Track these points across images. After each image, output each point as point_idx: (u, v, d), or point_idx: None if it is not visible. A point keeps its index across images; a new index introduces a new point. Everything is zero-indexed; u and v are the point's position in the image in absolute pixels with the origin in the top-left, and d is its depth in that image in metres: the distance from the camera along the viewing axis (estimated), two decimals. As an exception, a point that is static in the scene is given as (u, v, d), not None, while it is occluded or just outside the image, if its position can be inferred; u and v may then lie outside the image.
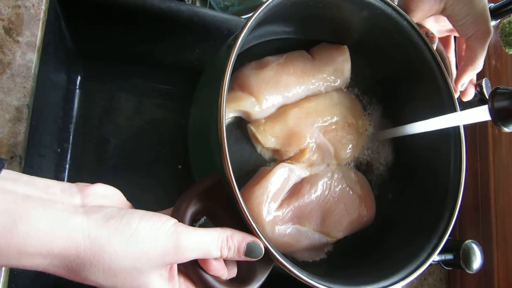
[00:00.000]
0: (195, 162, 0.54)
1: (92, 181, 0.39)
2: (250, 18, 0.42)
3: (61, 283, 0.59)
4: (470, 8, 0.51)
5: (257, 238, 0.38)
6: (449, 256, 0.64)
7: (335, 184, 0.56)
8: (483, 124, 0.74)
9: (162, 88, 0.70)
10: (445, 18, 0.56)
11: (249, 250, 0.38)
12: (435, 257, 0.62)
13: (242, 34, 0.41)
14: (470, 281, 0.75)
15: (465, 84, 0.57)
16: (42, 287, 0.57)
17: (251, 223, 0.38)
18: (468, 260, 0.63)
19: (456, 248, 0.64)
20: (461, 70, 0.56)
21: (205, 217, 0.41)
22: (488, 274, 0.71)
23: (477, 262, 0.63)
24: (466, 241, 0.64)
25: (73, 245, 0.31)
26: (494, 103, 0.44)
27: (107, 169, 0.64)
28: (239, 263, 0.42)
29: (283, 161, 0.55)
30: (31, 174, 0.34)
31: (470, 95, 0.59)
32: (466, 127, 0.54)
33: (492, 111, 0.45)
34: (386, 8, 0.52)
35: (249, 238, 0.38)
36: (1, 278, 0.46)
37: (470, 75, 0.55)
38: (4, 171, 0.32)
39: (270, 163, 0.56)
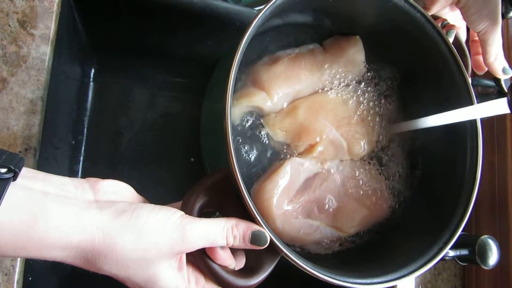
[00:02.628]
0: (207, 156, 0.54)
1: (106, 173, 0.40)
2: (255, 17, 0.42)
3: (77, 274, 0.60)
4: (484, 3, 0.50)
5: (262, 228, 0.39)
6: (464, 252, 0.63)
7: (348, 179, 0.56)
8: (501, 117, 0.73)
9: (175, 81, 0.70)
10: None
11: (254, 238, 0.38)
12: (450, 252, 0.61)
13: (247, 35, 0.41)
14: (486, 277, 0.74)
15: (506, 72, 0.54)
16: (58, 277, 0.59)
17: (255, 215, 0.38)
18: (484, 256, 0.61)
19: (471, 243, 0.63)
20: (489, 66, 0.54)
21: (218, 213, 0.41)
22: (505, 270, 0.70)
23: (493, 257, 0.62)
24: (482, 236, 0.63)
25: (89, 238, 0.33)
26: None
27: (121, 161, 0.65)
28: (247, 254, 0.42)
29: (295, 156, 0.54)
30: (46, 166, 0.35)
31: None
32: (483, 120, 0.53)
33: (511, 104, 0.44)
34: (398, 0, 0.50)
35: (254, 227, 0.39)
36: (17, 268, 0.47)
37: (499, 63, 0.54)
38: (23, 169, 0.33)
39: (283, 158, 0.55)
